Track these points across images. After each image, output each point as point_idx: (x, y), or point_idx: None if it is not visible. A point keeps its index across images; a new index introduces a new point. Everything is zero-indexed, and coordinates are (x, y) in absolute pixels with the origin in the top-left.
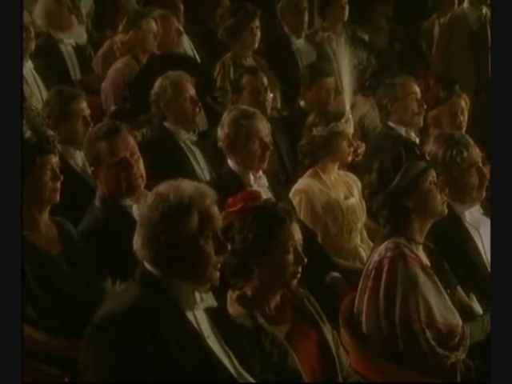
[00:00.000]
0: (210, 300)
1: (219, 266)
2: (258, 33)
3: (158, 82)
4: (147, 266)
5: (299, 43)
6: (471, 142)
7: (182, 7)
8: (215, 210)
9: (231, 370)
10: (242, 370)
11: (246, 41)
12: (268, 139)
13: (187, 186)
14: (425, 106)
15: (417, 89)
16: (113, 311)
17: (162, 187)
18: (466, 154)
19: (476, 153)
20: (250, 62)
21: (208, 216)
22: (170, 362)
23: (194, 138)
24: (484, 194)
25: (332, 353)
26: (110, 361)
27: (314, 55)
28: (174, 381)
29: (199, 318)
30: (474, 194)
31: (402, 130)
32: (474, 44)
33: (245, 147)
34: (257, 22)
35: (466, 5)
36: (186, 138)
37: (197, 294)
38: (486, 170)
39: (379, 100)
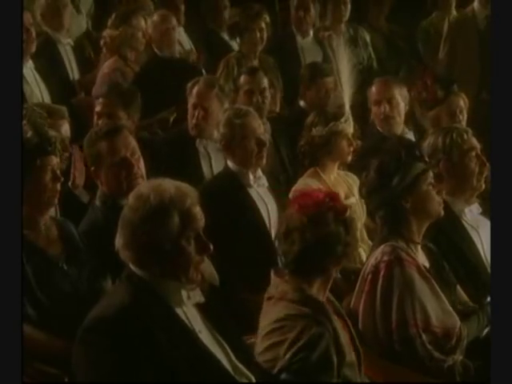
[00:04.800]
0: (198, 296)
1: (201, 266)
2: (265, 32)
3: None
4: (132, 266)
5: (305, 42)
6: (469, 130)
7: (183, 7)
8: (197, 209)
9: (226, 363)
10: (237, 363)
11: (252, 40)
12: (264, 136)
13: (168, 185)
14: (393, 112)
15: (389, 92)
16: (102, 314)
17: (143, 188)
18: (465, 136)
19: (475, 141)
20: (255, 62)
21: (189, 216)
22: (164, 360)
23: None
24: (483, 185)
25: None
26: (103, 363)
27: (319, 54)
28: (169, 379)
29: (189, 313)
30: (474, 182)
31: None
32: (479, 43)
33: (241, 146)
34: (263, 21)
35: (475, 4)
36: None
37: (183, 292)
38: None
39: (366, 103)
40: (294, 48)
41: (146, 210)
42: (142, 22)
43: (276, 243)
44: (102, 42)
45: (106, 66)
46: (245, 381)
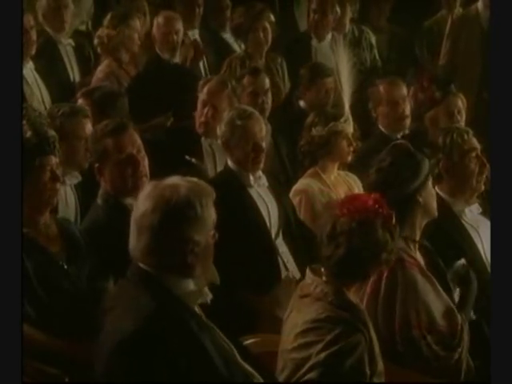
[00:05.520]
0: (210, 293)
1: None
2: (269, 32)
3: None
4: (148, 269)
5: (320, 46)
6: (470, 131)
7: (201, 9)
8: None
9: (238, 359)
10: (243, 363)
11: (256, 40)
12: (263, 141)
13: (189, 183)
14: (407, 111)
15: (397, 93)
16: (132, 328)
17: (158, 189)
18: (466, 136)
19: (475, 141)
20: (261, 62)
21: (212, 211)
22: (198, 363)
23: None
24: (483, 187)
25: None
26: (145, 373)
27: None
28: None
29: (200, 313)
30: (473, 182)
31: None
32: (482, 43)
33: (238, 147)
34: (266, 21)
35: (479, 4)
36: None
37: (205, 290)
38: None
39: (366, 103)
40: (308, 51)
41: (180, 209)
42: (138, 24)
43: (277, 242)
44: (96, 42)
45: (100, 70)
46: (255, 380)
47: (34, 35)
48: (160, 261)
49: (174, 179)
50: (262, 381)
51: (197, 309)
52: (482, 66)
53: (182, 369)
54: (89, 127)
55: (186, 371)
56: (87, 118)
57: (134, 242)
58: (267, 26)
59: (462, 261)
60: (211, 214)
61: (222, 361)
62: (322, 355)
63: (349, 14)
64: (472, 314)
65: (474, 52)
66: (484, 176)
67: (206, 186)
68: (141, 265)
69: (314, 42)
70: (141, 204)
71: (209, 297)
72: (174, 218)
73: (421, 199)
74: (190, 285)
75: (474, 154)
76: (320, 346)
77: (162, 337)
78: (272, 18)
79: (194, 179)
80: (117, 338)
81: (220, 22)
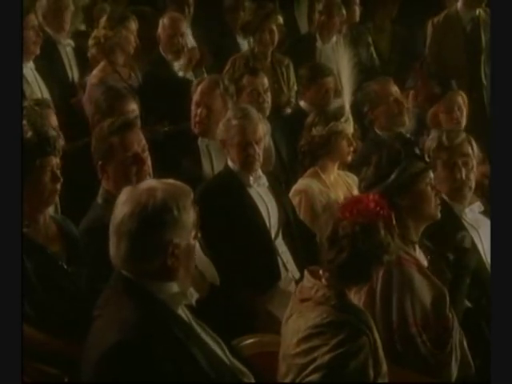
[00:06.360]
0: (195, 293)
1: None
2: (275, 34)
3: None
4: (131, 276)
5: (325, 48)
6: (462, 136)
7: (191, 9)
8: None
9: (225, 359)
10: (232, 359)
11: (262, 41)
12: (258, 142)
13: (165, 185)
14: (405, 105)
15: (393, 89)
16: (123, 337)
17: (135, 194)
18: (456, 140)
19: (467, 144)
20: (267, 62)
21: (195, 210)
22: (186, 368)
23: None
24: (473, 184)
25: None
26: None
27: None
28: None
29: (188, 313)
30: (464, 184)
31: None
32: (467, 45)
33: (232, 146)
34: (274, 23)
35: (459, 5)
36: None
37: (189, 290)
38: (485, 170)
39: (360, 107)
40: (312, 53)
41: (153, 215)
42: (134, 25)
43: (276, 242)
44: (92, 42)
45: (94, 75)
46: (245, 379)
47: (38, 35)
48: (141, 267)
49: (150, 182)
50: (253, 379)
51: (187, 310)
52: (469, 67)
53: (169, 375)
54: (54, 118)
55: (173, 377)
56: (50, 109)
57: (114, 249)
58: (274, 28)
59: (464, 233)
60: (190, 215)
61: (209, 363)
62: (327, 357)
63: (356, 18)
64: (468, 303)
65: (459, 54)
66: (472, 177)
67: (183, 187)
68: (123, 272)
69: (319, 43)
70: (118, 210)
71: (194, 298)
72: (151, 222)
73: (402, 202)
74: (174, 287)
75: (462, 159)
76: (325, 349)
77: (149, 344)
78: (280, 20)
79: (171, 181)
80: (102, 350)
81: (233, 23)
